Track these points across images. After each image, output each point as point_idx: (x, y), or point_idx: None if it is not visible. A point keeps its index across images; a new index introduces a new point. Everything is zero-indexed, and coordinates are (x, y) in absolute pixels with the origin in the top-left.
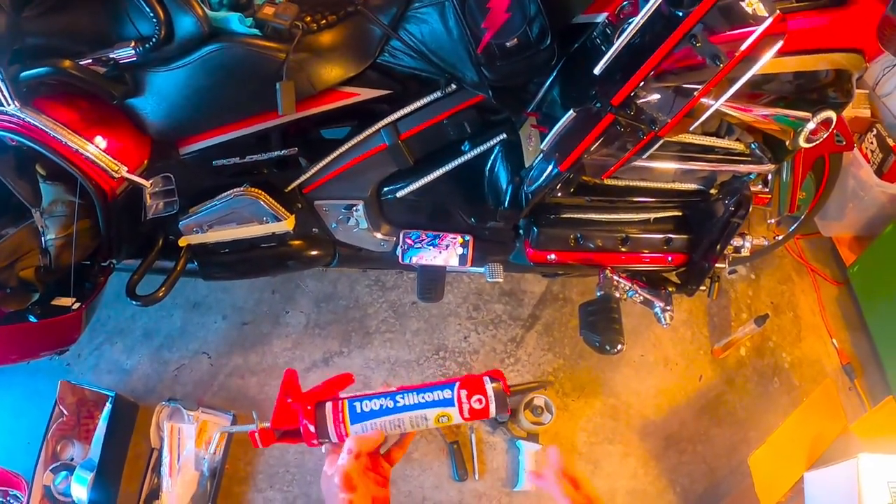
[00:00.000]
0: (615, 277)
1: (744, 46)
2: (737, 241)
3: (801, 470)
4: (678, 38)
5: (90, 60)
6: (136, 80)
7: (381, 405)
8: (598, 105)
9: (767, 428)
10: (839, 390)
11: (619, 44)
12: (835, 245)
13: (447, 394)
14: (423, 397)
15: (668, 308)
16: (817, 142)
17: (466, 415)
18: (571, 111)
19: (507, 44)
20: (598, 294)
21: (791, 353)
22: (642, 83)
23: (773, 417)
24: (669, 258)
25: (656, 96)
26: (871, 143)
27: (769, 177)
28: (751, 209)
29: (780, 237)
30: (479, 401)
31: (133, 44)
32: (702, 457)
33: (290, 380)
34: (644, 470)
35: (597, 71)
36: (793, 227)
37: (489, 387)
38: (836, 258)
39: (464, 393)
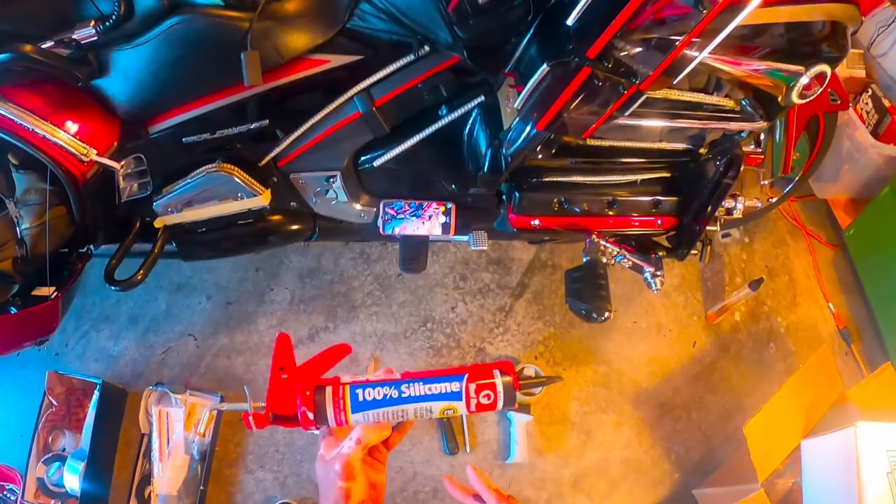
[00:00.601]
0: (602, 242)
1: None
2: (728, 203)
3: (797, 438)
4: None
5: (52, 43)
6: (99, 61)
7: (386, 394)
8: (576, 60)
9: (763, 394)
10: (835, 355)
11: None
12: (830, 207)
13: (455, 386)
14: (429, 388)
15: (659, 273)
16: (811, 97)
17: (473, 409)
18: (545, 66)
19: (479, 1)
20: (585, 260)
21: (786, 317)
22: (619, 33)
23: (769, 384)
24: (658, 221)
25: (637, 48)
26: (867, 103)
27: (762, 137)
28: (743, 169)
29: (774, 199)
30: (488, 396)
31: (93, 23)
32: (696, 424)
33: (284, 347)
34: (638, 439)
35: (570, 21)
36: (787, 189)
37: (499, 381)
38: (831, 221)
39: (472, 387)
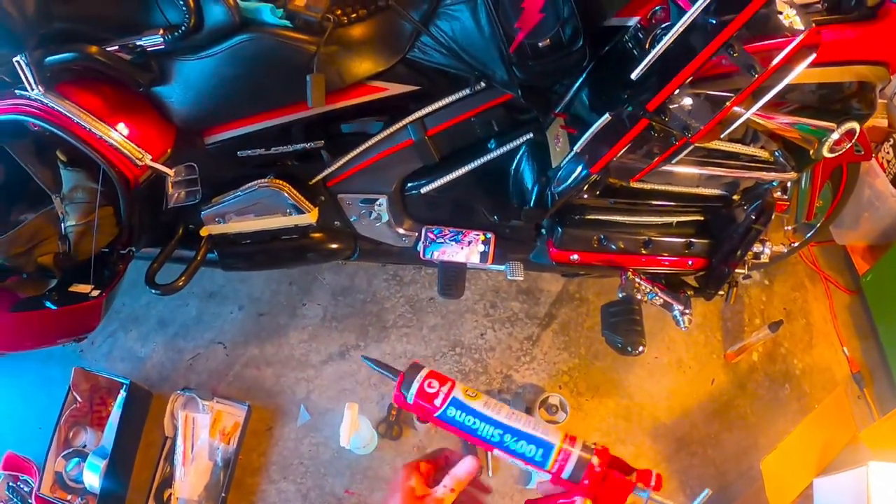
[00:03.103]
0: (637, 279)
1: (779, 57)
2: (757, 248)
3: (810, 476)
4: (717, 46)
5: (117, 47)
6: (162, 68)
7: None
8: (631, 109)
9: (777, 433)
10: (848, 398)
11: (658, 49)
12: (848, 253)
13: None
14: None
15: (687, 311)
16: (840, 152)
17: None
18: (607, 115)
19: (540, 44)
20: (620, 295)
21: (802, 359)
22: (678, 90)
23: (783, 423)
24: (690, 262)
25: (689, 102)
26: (888, 152)
27: (788, 184)
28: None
29: (796, 244)
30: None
31: (161, 31)
32: (712, 460)
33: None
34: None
35: (633, 76)
36: (808, 235)
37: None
38: (849, 267)
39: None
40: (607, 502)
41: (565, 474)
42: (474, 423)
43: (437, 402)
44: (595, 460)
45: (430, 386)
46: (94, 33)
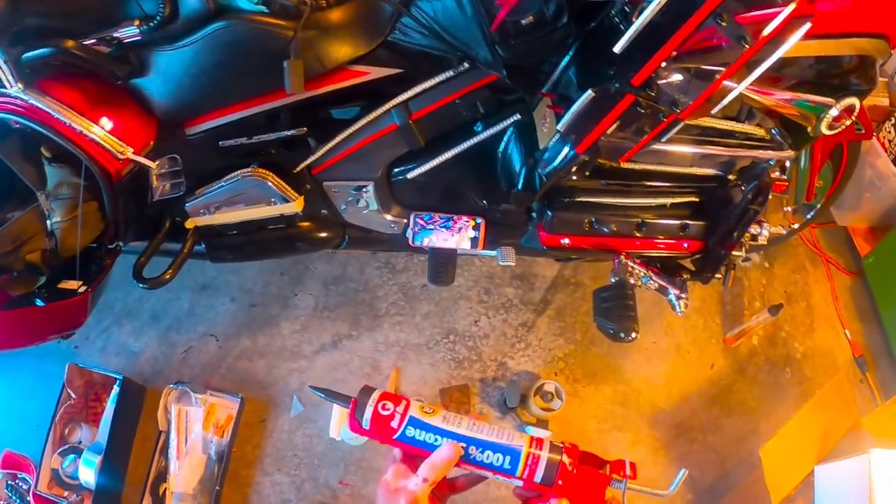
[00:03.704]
0: (630, 263)
1: (770, 27)
2: (754, 229)
3: (811, 463)
4: (704, 15)
5: (94, 40)
6: (140, 60)
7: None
8: (617, 85)
9: (777, 419)
10: (850, 383)
11: (641, 21)
12: (850, 235)
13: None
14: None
15: (683, 295)
16: (839, 129)
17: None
18: (590, 91)
19: (523, 21)
20: (613, 280)
21: (803, 343)
22: (664, 63)
23: (784, 408)
24: (685, 244)
25: (678, 77)
26: (890, 132)
27: (787, 164)
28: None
29: (796, 226)
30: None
31: (137, 22)
32: (711, 446)
33: None
34: (653, 458)
35: (617, 49)
36: (809, 216)
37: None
38: (850, 248)
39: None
40: (585, 500)
41: (537, 478)
42: (435, 439)
43: (394, 423)
44: (566, 459)
45: (384, 408)
46: (71, 27)
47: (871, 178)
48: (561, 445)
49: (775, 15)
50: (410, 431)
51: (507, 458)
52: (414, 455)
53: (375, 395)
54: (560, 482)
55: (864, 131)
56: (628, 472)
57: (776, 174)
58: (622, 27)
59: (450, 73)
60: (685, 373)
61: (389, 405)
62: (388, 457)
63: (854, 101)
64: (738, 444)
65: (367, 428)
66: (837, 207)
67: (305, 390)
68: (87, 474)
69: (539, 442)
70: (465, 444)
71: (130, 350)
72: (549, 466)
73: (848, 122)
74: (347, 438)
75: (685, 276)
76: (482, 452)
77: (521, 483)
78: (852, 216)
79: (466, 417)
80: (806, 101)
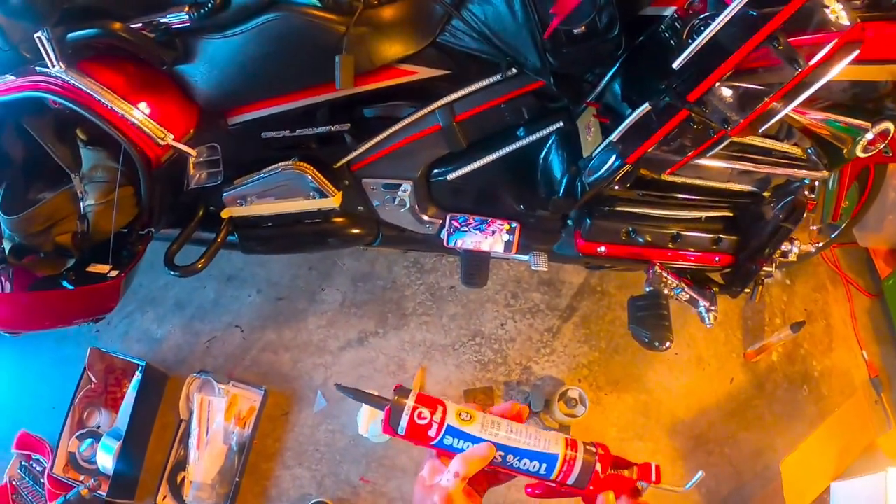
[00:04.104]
0: (664, 274)
1: (823, 52)
2: (785, 246)
3: (828, 479)
4: (762, 37)
5: (140, 24)
6: (187, 46)
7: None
8: (669, 99)
9: (794, 435)
10: (866, 403)
11: (701, 38)
12: (870, 256)
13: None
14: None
15: (713, 308)
16: (873, 152)
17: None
18: (647, 104)
19: (575, 31)
20: (648, 289)
21: (821, 362)
22: (719, 82)
23: (800, 425)
24: (717, 258)
25: (729, 95)
26: None
27: (816, 183)
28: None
29: (820, 244)
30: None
31: (187, 9)
32: (728, 459)
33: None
34: (671, 468)
35: (675, 65)
36: (833, 235)
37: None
38: (870, 269)
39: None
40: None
41: (570, 481)
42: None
43: (432, 432)
44: (598, 466)
45: (420, 417)
46: (117, 10)
47: (894, 201)
48: (594, 450)
49: (829, 39)
50: (448, 440)
51: (544, 466)
52: (451, 455)
53: (411, 402)
54: (591, 487)
55: (891, 154)
56: (653, 477)
57: (806, 193)
58: (672, 42)
59: (497, 78)
60: (705, 385)
61: (426, 413)
62: (426, 453)
63: (889, 125)
64: (754, 457)
65: (403, 436)
66: (860, 229)
67: (330, 386)
68: (106, 459)
69: (574, 446)
70: (503, 453)
71: (153, 337)
72: (583, 471)
73: (882, 146)
74: (373, 436)
75: (714, 289)
76: (520, 460)
77: (554, 485)
78: (874, 238)
79: (505, 422)
80: (838, 123)
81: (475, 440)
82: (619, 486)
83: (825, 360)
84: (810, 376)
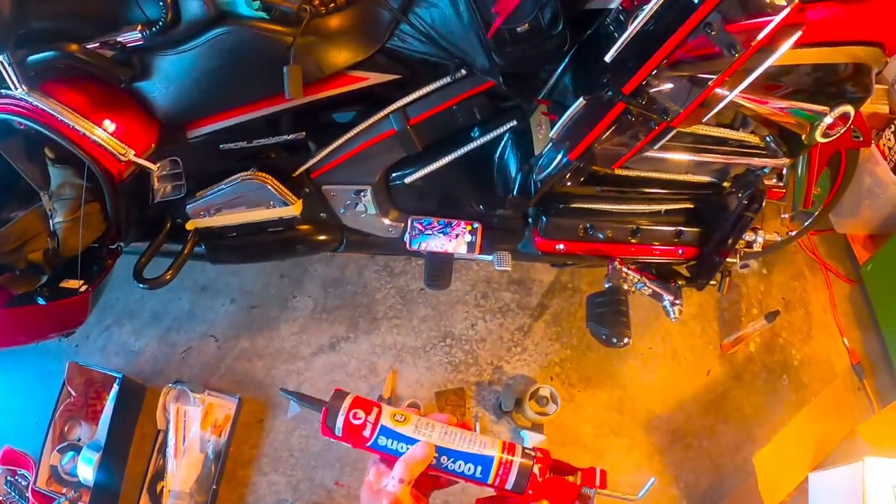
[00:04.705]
0: (624, 269)
1: (760, 36)
2: (749, 236)
3: (805, 470)
4: (693, 25)
5: (97, 44)
6: (143, 64)
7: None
8: (610, 93)
9: (774, 426)
10: (848, 390)
11: (631, 30)
12: (849, 242)
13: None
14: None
15: (678, 302)
16: (834, 137)
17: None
18: (581, 99)
19: (518, 29)
20: (607, 286)
21: (801, 350)
22: (654, 71)
23: (780, 415)
24: (680, 251)
25: (669, 86)
26: (889, 139)
27: (784, 171)
28: (764, 203)
29: (793, 233)
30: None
31: (140, 27)
32: (707, 453)
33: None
34: (648, 464)
35: (607, 58)
36: (806, 223)
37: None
38: (849, 256)
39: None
40: None
41: (508, 486)
42: (407, 448)
43: (366, 433)
44: (536, 468)
45: (355, 417)
46: (75, 30)
47: (870, 186)
48: (532, 453)
49: (766, 24)
50: (382, 440)
51: (479, 468)
52: (391, 458)
53: (347, 403)
54: (530, 491)
55: (862, 139)
56: (597, 482)
57: (772, 181)
58: (616, 35)
59: (447, 80)
60: (681, 379)
61: (361, 414)
62: (370, 458)
63: (848, 108)
64: (733, 450)
65: (340, 435)
66: (836, 215)
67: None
68: (86, 471)
69: (511, 449)
70: (437, 454)
71: (131, 349)
72: (521, 474)
73: (842, 130)
74: None
75: (680, 283)
76: (454, 462)
77: (492, 490)
78: (851, 224)
79: (439, 424)
80: (801, 110)
81: (409, 440)
82: (562, 492)
83: (805, 348)
84: (790, 365)
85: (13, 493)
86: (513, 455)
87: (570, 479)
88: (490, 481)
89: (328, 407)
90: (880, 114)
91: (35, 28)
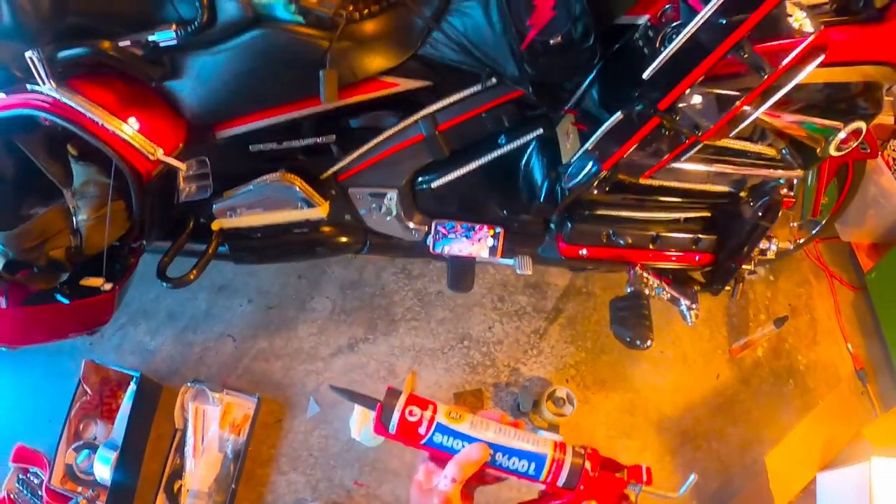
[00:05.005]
0: (645, 274)
1: (788, 58)
2: (763, 244)
3: (814, 471)
4: (728, 47)
5: (129, 42)
6: (174, 63)
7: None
8: (641, 107)
9: (781, 428)
10: (852, 394)
11: (669, 50)
12: (853, 250)
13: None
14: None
15: (694, 306)
16: (846, 151)
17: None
18: (619, 113)
19: (551, 41)
20: (629, 290)
21: (806, 355)
22: (688, 90)
23: (787, 418)
24: (697, 257)
25: (699, 102)
26: (894, 150)
27: (794, 181)
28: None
29: (801, 240)
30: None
31: (174, 27)
32: (716, 454)
33: None
34: (659, 465)
35: (645, 76)
36: (814, 231)
37: (568, 459)
38: (853, 263)
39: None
40: (602, 501)
41: (560, 483)
42: (462, 445)
43: (422, 429)
44: (588, 465)
45: (411, 414)
46: (106, 28)
47: (874, 196)
48: (583, 451)
49: (794, 46)
50: (438, 437)
51: (533, 465)
52: (442, 456)
53: (402, 400)
54: (582, 487)
55: (869, 150)
56: (644, 478)
57: (783, 191)
58: (646, 50)
59: (477, 88)
60: (691, 382)
61: (417, 411)
62: (419, 456)
63: (861, 124)
64: (741, 451)
65: (394, 433)
66: (842, 223)
67: (322, 391)
68: (103, 470)
69: (563, 447)
70: (492, 451)
71: (146, 348)
72: (573, 472)
73: (855, 144)
74: (366, 440)
75: (696, 288)
76: (508, 459)
77: (543, 487)
78: (856, 232)
79: (493, 423)
80: (813, 124)
81: (465, 437)
82: (610, 488)
83: (810, 353)
84: (796, 370)
85: (25, 490)
86: (565, 453)
87: (617, 475)
88: (543, 478)
89: (383, 404)
90: (886, 125)
91: (68, 24)
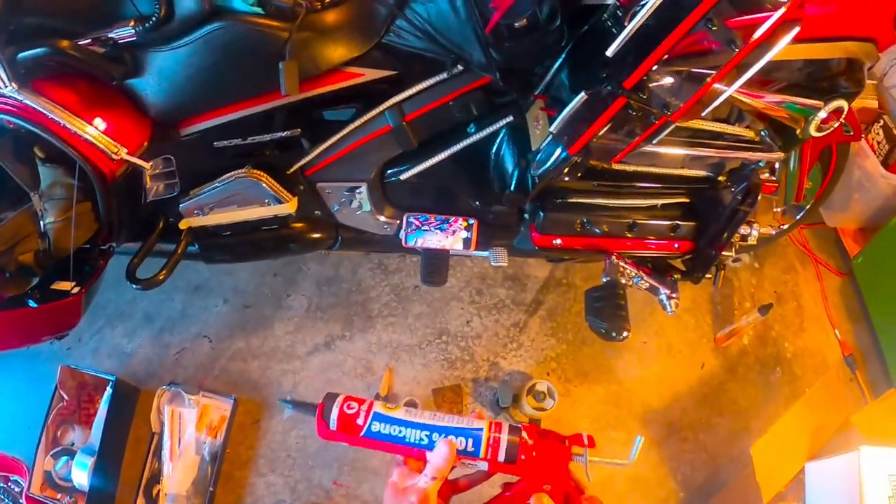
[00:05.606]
0: (621, 263)
1: (760, 32)
2: (744, 230)
3: (802, 461)
4: (694, 20)
5: (89, 41)
6: (135, 60)
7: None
8: (609, 88)
9: (768, 417)
10: (840, 381)
11: (633, 25)
12: (839, 235)
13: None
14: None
15: (674, 295)
16: (828, 131)
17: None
18: (582, 93)
19: (516, 24)
20: (604, 280)
21: (793, 342)
22: (655, 66)
23: (775, 407)
24: (676, 245)
25: (669, 80)
26: (878, 134)
27: (776, 165)
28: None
29: (785, 226)
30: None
31: (132, 23)
32: (703, 445)
33: None
34: (645, 457)
35: (609, 53)
36: (798, 217)
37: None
38: (840, 249)
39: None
40: (550, 474)
41: (500, 457)
42: (400, 431)
43: (360, 420)
44: (525, 434)
45: (349, 408)
46: (66, 27)
47: (859, 180)
48: (519, 426)
49: (765, 19)
50: (376, 426)
51: (470, 441)
52: (415, 459)
53: (340, 398)
54: (523, 456)
55: (852, 133)
56: (586, 441)
57: (765, 175)
58: (614, 31)
59: (443, 76)
60: (676, 372)
61: (354, 405)
62: (392, 462)
63: (842, 103)
64: (729, 442)
65: (335, 429)
66: (827, 208)
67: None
68: (81, 476)
69: (498, 425)
70: (428, 432)
71: (123, 351)
72: (511, 444)
73: (836, 124)
74: None
75: (676, 276)
76: (445, 438)
77: (486, 465)
78: (841, 217)
79: (426, 411)
80: (794, 104)
81: (402, 423)
82: (554, 458)
83: (797, 340)
84: (783, 358)
85: (7, 499)
86: (501, 429)
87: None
88: (482, 454)
89: (323, 404)
90: (869, 108)
91: (26, 24)
